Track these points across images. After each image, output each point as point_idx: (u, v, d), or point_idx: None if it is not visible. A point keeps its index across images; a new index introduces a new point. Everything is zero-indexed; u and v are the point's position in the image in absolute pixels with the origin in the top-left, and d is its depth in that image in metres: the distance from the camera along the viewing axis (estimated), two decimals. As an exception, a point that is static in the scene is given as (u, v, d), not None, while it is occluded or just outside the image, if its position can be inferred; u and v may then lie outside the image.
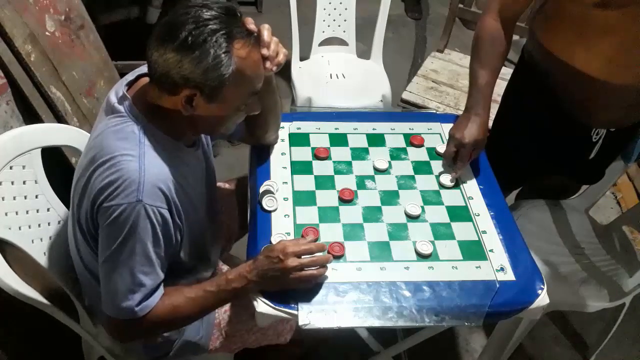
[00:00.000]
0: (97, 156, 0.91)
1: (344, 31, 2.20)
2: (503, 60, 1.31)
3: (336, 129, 1.39)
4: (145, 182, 0.87)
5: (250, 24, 0.92)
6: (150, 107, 0.93)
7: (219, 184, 1.40)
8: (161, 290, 0.96)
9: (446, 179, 1.26)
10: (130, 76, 1.00)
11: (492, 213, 1.20)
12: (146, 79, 0.98)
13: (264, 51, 0.94)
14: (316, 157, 1.29)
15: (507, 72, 1.62)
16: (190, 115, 0.91)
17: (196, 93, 0.87)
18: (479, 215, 1.19)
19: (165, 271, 0.97)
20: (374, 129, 1.40)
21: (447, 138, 1.29)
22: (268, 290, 1.00)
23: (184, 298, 0.97)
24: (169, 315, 0.96)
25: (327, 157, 1.30)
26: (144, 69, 0.99)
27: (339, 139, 1.36)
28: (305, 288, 1.00)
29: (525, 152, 1.45)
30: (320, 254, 1.01)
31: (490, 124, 1.70)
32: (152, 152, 0.91)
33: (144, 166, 0.88)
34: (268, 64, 0.95)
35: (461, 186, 1.26)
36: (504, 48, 1.29)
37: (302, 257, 0.98)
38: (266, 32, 0.95)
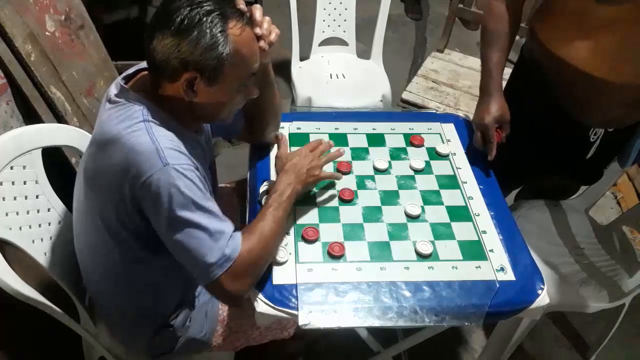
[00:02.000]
0: (104, 142, 0.90)
1: (344, 31, 2.20)
2: (511, 42, 1.33)
3: (336, 129, 1.39)
4: (162, 147, 0.87)
5: (242, 4, 0.93)
6: (150, 98, 0.94)
7: (220, 184, 1.40)
8: (238, 232, 0.96)
9: (418, 163, 1.30)
10: (129, 70, 1.01)
11: (492, 213, 1.20)
12: (145, 73, 0.98)
13: (257, 30, 0.96)
14: (338, 170, 1.27)
15: (506, 71, 1.62)
16: (191, 101, 0.91)
17: (196, 76, 0.88)
18: (479, 215, 1.19)
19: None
20: (374, 129, 1.40)
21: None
22: (303, 189, 1.12)
23: (261, 224, 0.99)
24: (260, 244, 0.97)
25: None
26: (143, 64, 1.00)
27: (339, 139, 1.36)
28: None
29: (524, 151, 1.45)
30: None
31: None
32: (158, 126, 0.91)
33: (154, 136, 0.88)
34: (262, 43, 0.97)
35: (461, 186, 1.26)
36: (510, 27, 1.31)
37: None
38: (258, 12, 0.97)
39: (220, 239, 0.91)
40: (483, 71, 1.33)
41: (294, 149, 1.31)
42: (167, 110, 0.95)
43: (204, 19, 0.85)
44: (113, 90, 0.96)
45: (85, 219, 1.01)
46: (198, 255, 0.91)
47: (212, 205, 0.93)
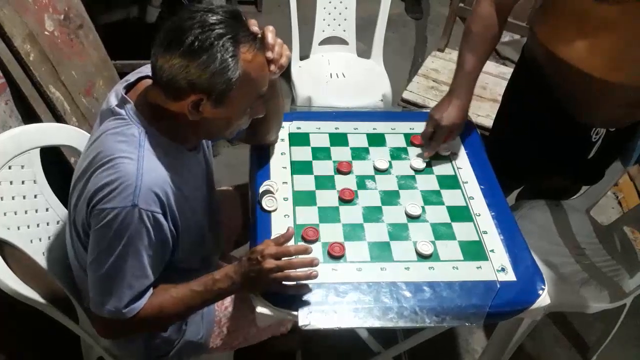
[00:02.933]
0: (97, 158, 0.90)
1: (344, 30, 2.19)
2: (493, 47, 1.32)
3: (336, 128, 1.39)
4: (142, 186, 0.87)
5: (254, 26, 0.91)
6: (153, 111, 0.93)
7: (223, 187, 1.40)
8: (150, 291, 0.96)
9: (418, 163, 1.29)
10: (131, 77, 1.00)
11: (493, 213, 1.19)
12: (147, 82, 0.97)
13: (269, 54, 0.94)
14: (338, 171, 1.27)
15: (507, 71, 1.63)
16: (195, 120, 0.90)
17: (203, 98, 0.87)
18: (479, 215, 1.19)
19: (159, 274, 0.97)
20: (374, 129, 1.40)
21: (428, 118, 1.32)
22: (251, 292, 1.00)
23: (171, 298, 0.97)
24: (155, 314, 0.96)
25: (328, 157, 1.30)
26: (144, 70, 0.99)
27: (339, 139, 1.35)
28: (294, 292, 0.99)
29: (525, 151, 1.45)
30: (304, 256, 0.98)
31: (490, 122, 1.70)
32: (152, 155, 0.91)
33: (142, 170, 0.88)
34: (272, 67, 0.95)
35: (462, 186, 1.26)
36: (495, 35, 1.29)
37: (283, 258, 0.95)
38: (270, 35, 0.95)
39: (127, 295, 0.91)
40: (458, 71, 1.30)
41: (294, 148, 1.31)
42: (168, 128, 0.94)
43: (215, 42, 0.83)
44: (113, 100, 0.95)
45: (69, 222, 1.02)
46: (100, 291, 0.92)
47: (150, 256, 0.92)
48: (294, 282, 0.98)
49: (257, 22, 0.94)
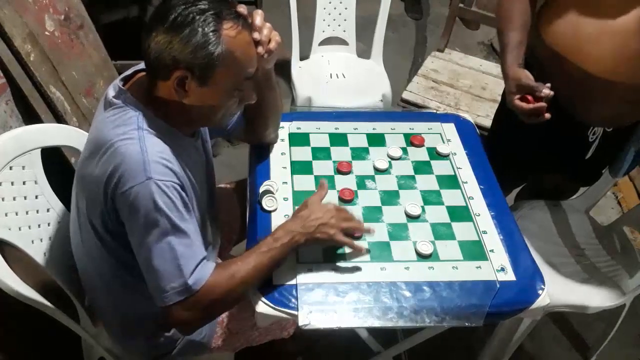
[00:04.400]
0: (97, 146, 0.91)
1: (344, 31, 2.19)
2: (527, 17, 1.27)
3: (336, 128, 1.39)
4: (150, 160, 0.87)
5: (241, 7, 0.92)
6: (147, 97, 0.94)
7: (220, 185, 1.40)
8: (212, 263, 0.94)
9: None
10: (127, 72, 1.01)
11: (492, 213, 1.20)
12: (143, 73, 0.98)
13: (255, 35, 0.95)
14: (338, 171, 1.27)
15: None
16: (184, 102, 0.90)
17: (187, 75, 0.87)
18: (479, 215, 1.19)
19: (205, 247, 0.95)
20: (374, 129, 1.40)
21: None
22: (312, 244, 1.01)
23: (238, 265, 0.94)
24: (228, 284, 0.92)
25: (328, 157, 1.30)
26: (141, 65, 1.00)
27: (339, 139, 1.36)
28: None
29: (524, 150, 1.45)
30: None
31: (490, 122, 1.70)
32: (152, 135, 0.91)
33: (145, 147, 0.88)
34: (260, 49, 0.96)
35: (462, 186, 1.26)
36: (524, 5, 1.26)
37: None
38: (258, 17, 0.96)
39: (186, 266, 0.89)
40: (501, 53, 1.27)
41: (294, 148, 1.31)
42: (163, 114, 0.94)
43: (197, 17, 0.85)
44: (111, 92, 0.96)
45: (78, 220, 1.02)
46: (158, 276, 0.89)
47: (189, 227, 0.91)
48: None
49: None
